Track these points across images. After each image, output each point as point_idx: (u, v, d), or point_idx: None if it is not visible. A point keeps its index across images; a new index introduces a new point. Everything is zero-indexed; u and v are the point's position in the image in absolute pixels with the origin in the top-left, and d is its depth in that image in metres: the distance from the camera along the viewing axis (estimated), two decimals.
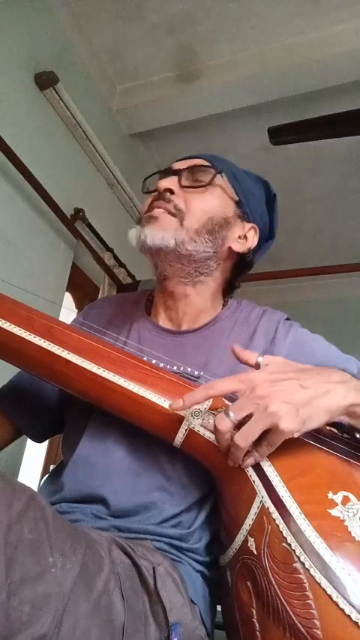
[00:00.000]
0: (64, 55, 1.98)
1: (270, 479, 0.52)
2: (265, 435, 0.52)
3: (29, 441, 0.95)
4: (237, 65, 2.08)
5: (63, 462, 0.74)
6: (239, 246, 0.82)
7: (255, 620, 0.47)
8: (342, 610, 0.41)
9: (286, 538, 0.47)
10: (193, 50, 2.08)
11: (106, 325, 0.80)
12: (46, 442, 0.92)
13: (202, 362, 0.74)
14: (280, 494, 0.50)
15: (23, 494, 0.48)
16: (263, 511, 0.50)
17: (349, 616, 0.41)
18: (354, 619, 0.41)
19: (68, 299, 2.17)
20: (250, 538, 0.50)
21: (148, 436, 0.65)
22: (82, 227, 2.02)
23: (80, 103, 1.97)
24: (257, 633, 0.47)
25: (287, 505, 0.49)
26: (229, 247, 0.80)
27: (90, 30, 2.05)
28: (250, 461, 0.54)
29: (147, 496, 0.65)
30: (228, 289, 0.88)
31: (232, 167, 0.83)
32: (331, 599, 0.42)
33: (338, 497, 0.49)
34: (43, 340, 0.65)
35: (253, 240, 0.83)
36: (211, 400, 0.60)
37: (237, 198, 0.81)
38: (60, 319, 0.73)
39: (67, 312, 1.91)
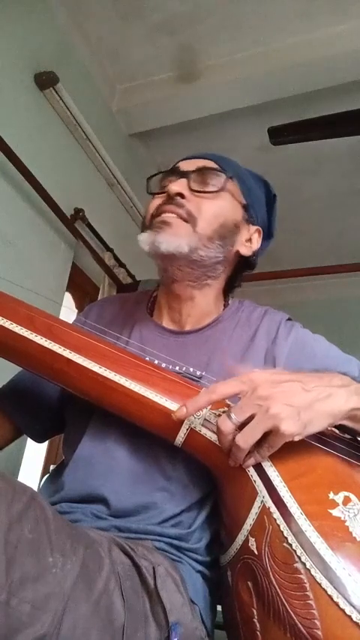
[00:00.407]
0: (64, 55, 1.98)
1: (271, 479, 0.52)
2: (266, 436, 0.52)
3: (29, 441, 0.95)
4: (237, 65, 2.08)
5: (64, 462, 0.74)
6: (246, 250, 0.81)
7: (255, 620, 0.47)
8: (342, 610, 0.41)
9: (287, 538, 0.47)
10: (193, 50, 2.08)
11: (108, 325, 0.80)
12: (46, 442, 0.92)
13: (205, 362, 0.74)
14: (281, 494, 0.50)
15: (24, 494, 0.48)
16: (264, 511, 0.50)
17: (349, 616, 0.41)
18: (354, 619, 0.41)
19: (68, 299, 2.17)
20: (250, 538, 0.50)
21: (149, 436, 0.64)
22: (82, 227, 2.02)
23: (80, 103, 1.97)
24: (258, 633, 0.47)
25: (288, 505, 0.49)
26: (237, 251, 0.80)
27: (90, 30, 2.05)
28: (251, 461, 0.54)
29: (148, 496, 0.65)
30: (228, 289, 0.88)
31: (238, 169, 0.82)
32: (332, 599, 0.42)
33: (339, 498, 0.49)
34: (44, 339, 0.65)
35: (257, 243, 0.83)
36: None
37: (245, 202, 0.80)
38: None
39: (67, 311, 1.91)
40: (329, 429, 0.61)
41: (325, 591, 0.43)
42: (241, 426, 0.52)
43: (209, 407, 0.60)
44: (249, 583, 0.49)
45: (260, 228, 0.83)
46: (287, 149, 2.00)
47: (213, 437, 0.58)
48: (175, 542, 0.63)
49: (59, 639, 0.43)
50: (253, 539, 0.50)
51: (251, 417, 0.52)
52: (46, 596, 0.44)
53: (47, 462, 1.98)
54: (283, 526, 0.47)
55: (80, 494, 0.66)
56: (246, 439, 0.51)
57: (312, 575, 0.44)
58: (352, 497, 0.50)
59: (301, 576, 0.44)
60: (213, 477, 0.63)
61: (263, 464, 0.54)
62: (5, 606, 0.40)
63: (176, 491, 0.66)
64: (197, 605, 0.60)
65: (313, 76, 1.99)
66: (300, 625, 0.42)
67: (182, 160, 0.82)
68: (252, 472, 0.54)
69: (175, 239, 0.72)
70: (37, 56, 1.81)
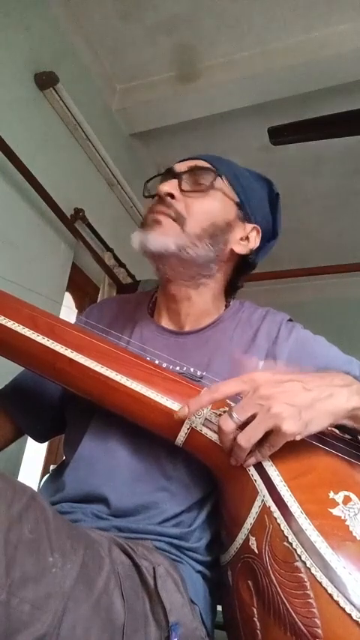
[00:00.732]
0: (64, 55, 1.98)
1: (271, 478, 0.52)
2: (267, 435, 0.52)
3: (29, 441, 0.95)
4: (237, 65, 2.08)
5: (64, 462, 0.74)
6: (241, 248, 0.81)
7: (256, 619, 0.47)
8: (342, 609, 0.42)
9: (287, 537, 0.47)
10: (193, 50, 2.08)
11: (109, 325, 0.80)
12: (46, 442, 0.92)
13: (205, 362, 0.74)
14: (282, 493, 0.50)
15: (24, 494, 0.48)
16: (265, 510, 0.50)
17: (349, 615, 0.41)
18: (354, 618, 0.41)
19: (68, 299, 2.17)
20: (251, 537, 0.50)
21: (150, 436, 0.65)
22: (82, 227, 2.02)
23: (80, 103, 1.97)
24: (258, 632, 0.47)
25: (289, 504, 0.49)
26: (231, 249, 0.80)
27: (90, 30, 2.05)
28: (252, 460, 0.54)
29: (148, 496, 0.65)
30: (230, 290, 0.88)
31: (233, 167, 0.82)
32: (332, 597, 0.42)
33: (339, 497, 0.50)
34: (46, 339, 0.65)
35: (255, 241, 0.82)
36: None
37: (238, 200, 0.80)
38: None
39: (68, 311, 1.91)
40: (330, 429, 0.61)
41: (326, 590, 0.43)
42: (242, 426, 0.53)
43: (210, 407, 0.60)
44: (249, 582, 0.49)
45: (258, 227, 0.83)
46: (287, 149, 2.00)
47: (214, 436, 0.58)
48: (176, 541, 0.63)
49: (59, 639, 0.43)
50: (254, 539, 0.50)
51: (253, 417, 0.52)
52: (46, 596, 0.44)
53: (47, 462, 1.98)
54: (283, 525, 0.48)
55: (81, 493, 0.66)
56: (247, 438, 0.52)
57: (312, 574, 0.44)
58: (353, 496, 0.50)
59: (301, 575, 0.44)
60: (213, 477, 0.63)
61: (264, 463, 0.54)
62: (5, 606, 0.40)
63: (177, 490, 0.66)
64: (197, 605, 0.61)
65: (313, 76, 1.99)
66: (300, 623, 0.43)
67: (178, 162, 0.82)
68: (252, 471, 0.54)
69: (162, 238, 0.73)
70: (37, 56, 1.81)
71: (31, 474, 1.88)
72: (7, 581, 0.41)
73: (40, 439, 0.87)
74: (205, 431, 0.59)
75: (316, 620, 0.42)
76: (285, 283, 2.98)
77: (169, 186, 0.76)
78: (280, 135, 1.69)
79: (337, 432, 0.62)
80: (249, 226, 0.82)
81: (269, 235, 0.87)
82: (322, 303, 3.14)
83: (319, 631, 0.41)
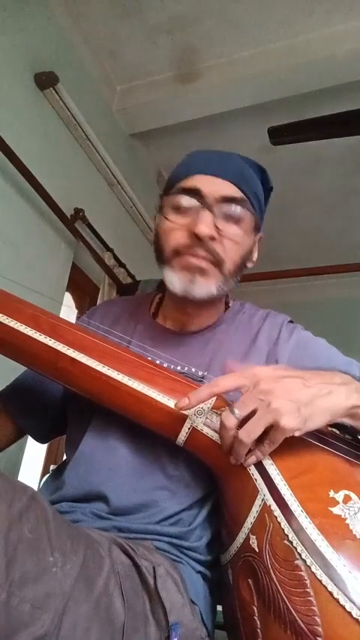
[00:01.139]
0: (64, 55, 1.98)
1: (272, 477, 0.52)
2: (267, 431, 0.52)
3: (29, 441, 0.95)
4: (237, 65, 2.08)
5: (65, 461, 0.74)
6: (251, 263, 0.80)
7: (256, 618, 0.47)
8: (343, 607, 0.42)
9: (287, 535, 0.47)
10: (193, 50, 2.08)
11: (111, 326, 0.80)
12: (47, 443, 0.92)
13: (206, 363, 0.74)
14: (282, 492, 0.50)
15: (24, 494, 0.48)
16: (265, 509, 0.50)
17: (349, 613, 0.41)
18: (355, 616, 0.41)
19: (68, 299, 2.17)
20: (251, 536, 0.50)
21: (150, 435, 0.65)
22: (82, 227, 2.02)
23: (80, 103, 1.97)
24: (258, 630, 0.47)
25: (289, 503, 0.49)
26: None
27: (90, 30, 2.05)
28: (253, 459, 0.54)
29: (148, 494, 0.65)
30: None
31: (252, 184, 0.76)
32: (332, 595, 0.42)
33: (339, 496, 0.50)
34: (48, 338, 0.65)
35: (258, 250, 0.81)
36: (214, 399, 0.60)
37: (257, 218, 0.77)
38: None
39: (68, 310, 1.91)
40: (329, 429, 0.61)
41: (326, 588, 0.43)
42: (243, 422, 0.53)
43: (211, 406, 0.60)
44: (250, 581, 0.49)
45: (263, 235, 0.81)
46: (287, 149, 2.00)
47: (215, 436, 0.58)
48: (175, 540, 0.63)
49: (59, 639, 0.43)
50: (254, 537, 0.50)
51: (253, 412, 0.52)
52: (46, 596, 0.44)
53: (47, 462, 1.98)
54: (284, 524, 0.48)
55: (81, 492, 0.66)
56: (248, 433, 0.52)
57: (312, 572, 0.44)
58: (353, 495, 0.50)
59: (301, 573, 0.44)
60: (214, 476, 0.63)
61: (264, 462, 0.54)
62: (5, 606, 0.40)
63: (177, 490, 0.66)
64: (197, 605, 0.61)
65: (313, 76, 1.99)
66: (300, 621, 0.43)
67: (199, 174, 0.72)
68: (253, 470, 0.54)
69: (208, 286, 0.71)
70: (37, 56, 1.81)
71: (31, 474, 1.88)
72: (7, 581, 0.41)
73: (41, 440, 0.87)
74: (206, 430, 0.59)
75: (316, 618, 0.42)
76: (285, 283, 2.98)
77: (210, 228, 0.69)
78: (280, 135, 1.69)
79: (337, 432, 0.62)
80: (257, 236, 0.80)
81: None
82: (322, 303, 3.14)
83: (319, 629, 0.42)
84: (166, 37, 2.04)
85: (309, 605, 0.43)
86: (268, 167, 0.78)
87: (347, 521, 0.47)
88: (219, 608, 0.64)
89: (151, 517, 0.64)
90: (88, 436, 0.70)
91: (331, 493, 0.50)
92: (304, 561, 0.45)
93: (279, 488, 0.51)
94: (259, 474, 0.53)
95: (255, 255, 0.81)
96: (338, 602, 0.42)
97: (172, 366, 0.72)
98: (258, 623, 0.47)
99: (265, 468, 0.53)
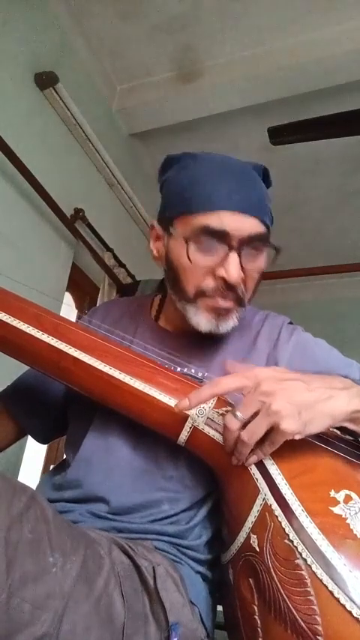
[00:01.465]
0: (64, 55, 1.98)
1: (273, 476, 0.52)
2: (268, 432, 0.52)
3: (29, 441, 0.95)
4: (237, 65, 2.08)
5: (65, 461, 0.74)
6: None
7: (256, 617, 0.47)
8: (343, 606, 0.42)
9: (288, 535, 0.47)
10: (193, 50, 2.09)
11: (112, 326, 0.80)
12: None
13: (207, 363, 0.74)
14: (283, 491, 0.50)
15: (24, 494, 0.48)
16: (266, 508, 0.50)
17: (350, 612, 0.41)
18: (355, 615, 0.41)
19: (68, 299, 2.17)
20: (252, 535, 0.50)
21: (151, 435, 0.65)
22: (82, 227, 2.02)
23: (80, 103, 1.97)
24: (258, 630, 0.47)
25: (290, 502, 0.49)
26: None
27: (90, 30, 2.05)
28: (254, 459, 0.54)
29: (148, 494, 0.65)
30: None
31: (268, 202, 0.73)
32: (333, 595, 0.42)
33: (340, 496, 0.50)
34: (51, 337, 0.65)
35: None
36: (215, 398, 0.60)
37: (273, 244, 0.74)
38: None
39: (68, 309, 1.91)
40: (330, 430, 0.61)
41: (326, 587, 0.43)
42: (245, 424, 0.53)
43: (212, 406, 0.60)
44: (250, 580, 0.49)
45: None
46: (287, 149, 2.00)
47: (216, 435, 0.58)
48: (174, 540, 0.63)
49: (59, 639, 0.43)
50: (255, 537, 0.50)
51: (255, 414, 0.52)
52: (46, 596, 0.44)
53: (47, 462, 1.98)
54: (284, 523, 0.48)
55: (80, 491, 0.66)
56: (250, 435, 0.52)
57: (313, 572, 0.44)
58: (353, 495, 0.50)
59: (302, 572, 0.44)
60: (215, 476, 0.63)
61: (265, 462, 0.54)
62: (5, 606, 0.40)
63: (177, 490, 0.66)
64: (197, 606, 0.61)
65: (313, 76, 1.99)
66: (301, 621, 0.43)
67: (223, 210, 0.67)
68: (254, 470, 0.54)
69: (232, 322, 0.71)
70: (37, 56, 1.81)
71: (31, 474, 1.88)
72: (7, 581, 0.41)
73: (42, 440, 0.87)
74: (207, 430, 0.59)
75: (316, 617, 0.42)
76: (285, 283, 2.98)
77: (238, 272, 0.67)
78: (280, 135, 1.69)
79: (339, 432, 0.62)
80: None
81: None
82: (322, 304, 3.14)
83: (320, 628, 0.42)
84: (166, 37, 2.04)
85: (309, 604, 0.43)
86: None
87: (348, 521, 0.47)
88: (219, 608, 0.64)
89: (150, 517, 0.64)
90: (90, 436, 0.70)
91: (332, 493, 0.50)
92: (305, 560, 0.45)
93: (280, 487, 0.51)
94: (260, 473, 0.53)
95: None
96: (339, 601, 0.42)
97: (172, 366, 0.72)
98: (258, 622, 0.47)
99: (266, 468, 0.53)
